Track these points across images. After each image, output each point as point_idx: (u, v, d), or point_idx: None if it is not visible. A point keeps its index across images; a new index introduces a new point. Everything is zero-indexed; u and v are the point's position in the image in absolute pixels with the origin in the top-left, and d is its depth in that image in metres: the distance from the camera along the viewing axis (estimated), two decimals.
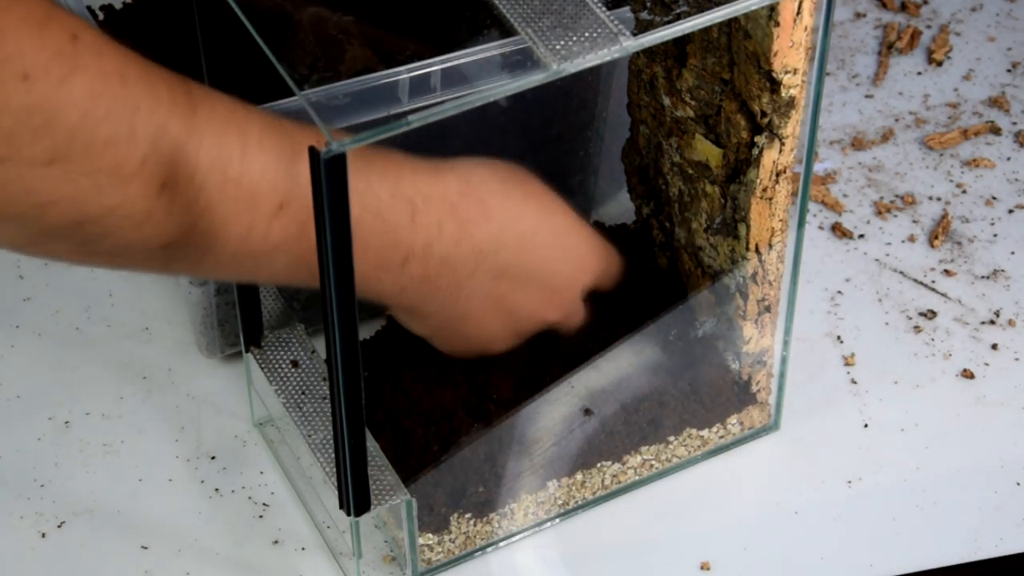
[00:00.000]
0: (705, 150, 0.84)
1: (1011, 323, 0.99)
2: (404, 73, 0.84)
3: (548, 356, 0.87)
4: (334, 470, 0.77)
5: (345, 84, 0.83)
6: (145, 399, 0.94)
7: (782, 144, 0.80)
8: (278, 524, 0.87)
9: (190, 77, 0.70)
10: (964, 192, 1.08)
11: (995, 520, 0.88)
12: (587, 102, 0.97)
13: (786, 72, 0.77)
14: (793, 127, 0.79)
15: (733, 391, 0.90)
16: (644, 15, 0.80)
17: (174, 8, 0.99)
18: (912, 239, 1.04)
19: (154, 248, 0.68)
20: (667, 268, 0.92)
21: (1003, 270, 1.02)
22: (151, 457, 0.91)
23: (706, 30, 0.79)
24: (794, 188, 0.82)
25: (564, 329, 0.86)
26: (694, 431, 0.89)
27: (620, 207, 1.00)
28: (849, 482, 0.90)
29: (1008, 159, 1.10)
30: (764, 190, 0.81)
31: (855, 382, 0.95)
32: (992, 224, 1.05)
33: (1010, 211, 1.06)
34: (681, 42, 0.82)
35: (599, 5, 0.69)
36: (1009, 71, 1.17)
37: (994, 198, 1.07)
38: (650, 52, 0.85)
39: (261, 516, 0.88)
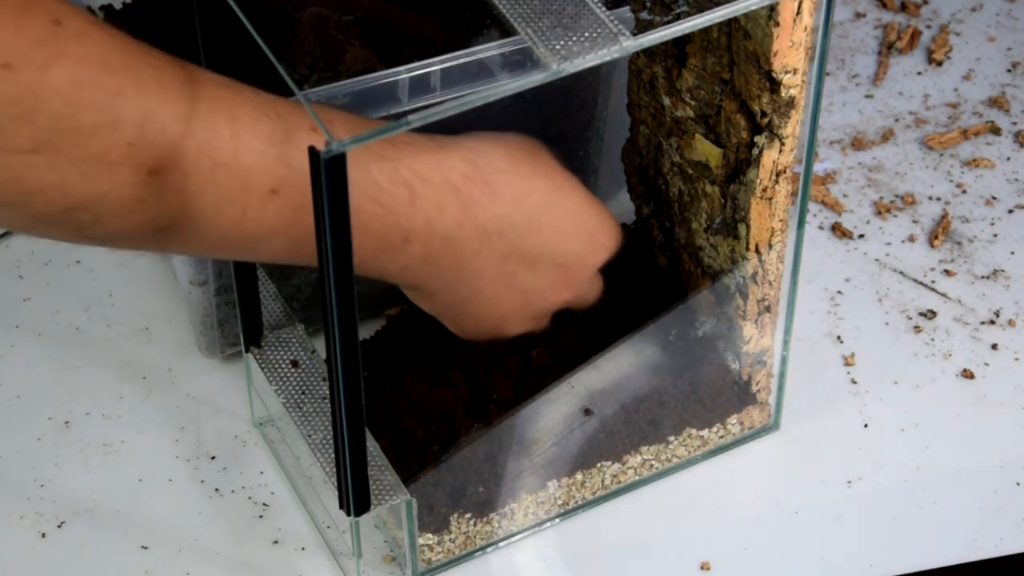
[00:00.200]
0: (705, 150, 0.84)
1: (1011, 323, 0.99)
2: (404, 73, 0.84)
3: (548, 356, 0.87)
4: (334, 470, 0.77)
5: (345, 84, 0.83)
6: (145, 399, 0.94)
7: (782, 144, 0.80)
8: (278, 524, 0.87)
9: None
10: (964, 192, 1.08)
11: (995, 520, 0.88)
12: (587, 102, 0.97)
13: (786, 72, 0.77)
14: (793, 127, 0.79)
15: (733, 391, 0.90)
16: (644, 15, 0.80)
17: (174, 8, 0.99)
18: (912, 239, 1.04)
19: (148, 232, 0.68)
20: (667, 268, 0.92)
21: (1003, 270, 1.02)
22: (151, 457, 0.91)
23: (706, 30, 0.79)
24: (794, 188, 0.82)
25: (580, 306, 0.85)
26: (694, 431, 0.89)
27: (620, 207, 1.00)
28: (849, 482, 0.90)
29: (1008, 159, 1.10)
30: (764, 190, 0.81)
31: (855, 382, 0.95)
32: (992, 224, 1.05)
33: (1010, 211, 1.06)
34: (681, 42, 0.82)
35: (599, 5, 0.69)
36: (1009, 71, 1.17)
37: (994, 198, 1.07)
38: (650, 52, 0.85)
39: (261, 516, 0.88)
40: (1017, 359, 0.97)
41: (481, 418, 0.84)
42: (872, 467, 0.91)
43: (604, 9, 0.69)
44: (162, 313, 0.99)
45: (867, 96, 1.15)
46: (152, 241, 0.69)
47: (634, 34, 0.68)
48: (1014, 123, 1.13)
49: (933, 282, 1.02)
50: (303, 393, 0.84)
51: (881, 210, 1.06)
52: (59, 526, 0.87)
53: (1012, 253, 1.04)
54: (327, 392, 0.83)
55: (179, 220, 0.68)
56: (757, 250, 0.83)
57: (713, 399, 0.89)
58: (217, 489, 0.89)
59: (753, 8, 0.73)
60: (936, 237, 1.04)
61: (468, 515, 0.84)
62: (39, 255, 1.02)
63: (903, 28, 1.20)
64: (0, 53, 0.61)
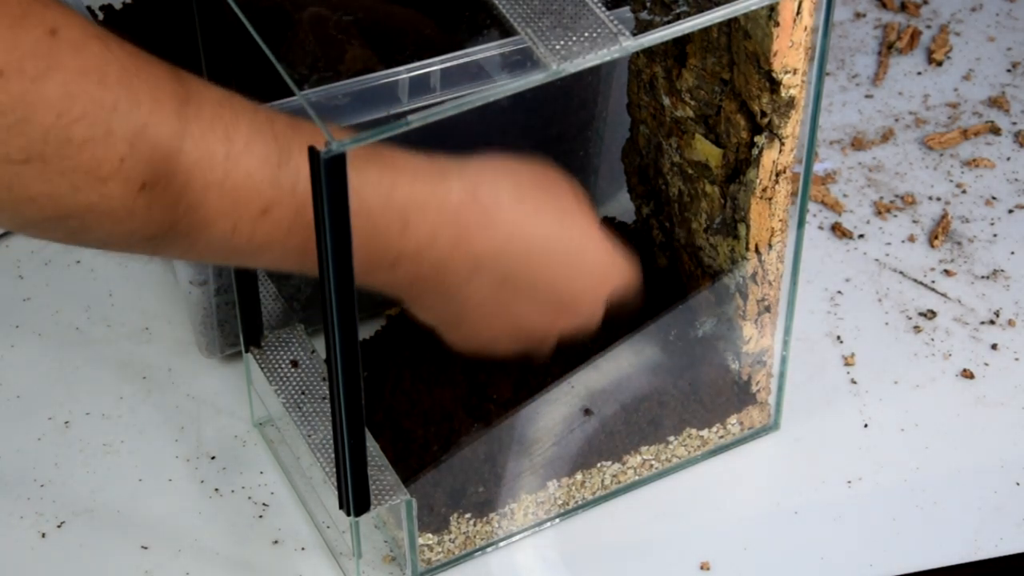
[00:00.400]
0: (705, 150, 0.84)
1: (1011, 323, 0.99)
2: (404, 73, 0.84)
3: (548, 356, 0.86)
4: (334, 470, 0.77)
5: (345, 84, 0.83)
6: (145, 399, 0.94)
7: (782, 144, 0.80)
8: (278, 524, 0.87)
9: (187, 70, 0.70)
10: (964, 192, 1.08)
11: (995, 520, 0.88)
12: (587, 102, 0.97)
13: (786, 72, 0.77)
14: (793, 127, 0.79)
15: (733, 391, 0.90)
16: (644, 15, 0.80)
17: (174, 8, 0.99)
18: (912, 239, 1.04)
19: (137, 240, 0.68)
20: (667, 268, 0.92)
21: (1003, 270, 1.02)
22: (151, 457, 0.91)
23: (706, 30, 0.79)
24: (794, 188, 0.82)
25: (578, 334, 0.84)
26: (694, 431, 0.89)
27: (620, 207, 1.00)
28: (849, 482, 0.90)
29: (1008, 159, 1.10)
30: (764, 190, 0.81)
31: (855, 382, 0.95)
32: (992, 224, 1.05)
33: (1010, 211, 1.06)
34: (681, 42, 0.82)
35: (599, 5, 0.69)
36: (1009, 71, 1.17)
37: (994, 198, 1.07)
38: (650, 52, 0.85)
39: (261, 516, 0.88)
40: (1017, 359, 0.97)
41: (481, 418, 0.84)
42: (872, 467, 0.91)
43: (604, 9, 0.69)
44: (162, 313, 0.99)
45: (867, 96, 1.15)
46: (142, 248, 0.69)
47: (634, 34, 0.68)
48: (1014, 123, 1.13)
49: (933, 282, 1.02)
50: (303, 393, 0.84)
51: (881, 210, 1.06)
52: (59, 526, 0.87)
53: (1012, 253, 1.04)
54: (327, 392, 0.83)
55: (168, 232, 0.68)
56: (757, 250, 0.83)
57: (713, 399, 0.89)
58: (217, 489, 0.89)
59: (753, 8, 0.73)
60: (936, 237, 1.04)
61: (468, 515, 0.84)
62: (39, 255, 1.02)
63: (903, 28, 1.20)
64: None
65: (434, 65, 0.84)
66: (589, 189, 1.01)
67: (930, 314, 0.99)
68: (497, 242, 0.76)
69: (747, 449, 0.92)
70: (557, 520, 0.87)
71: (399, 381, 0.86)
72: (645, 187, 0.91)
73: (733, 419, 0.90)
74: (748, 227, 0.83)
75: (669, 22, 0.72)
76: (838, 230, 1.05)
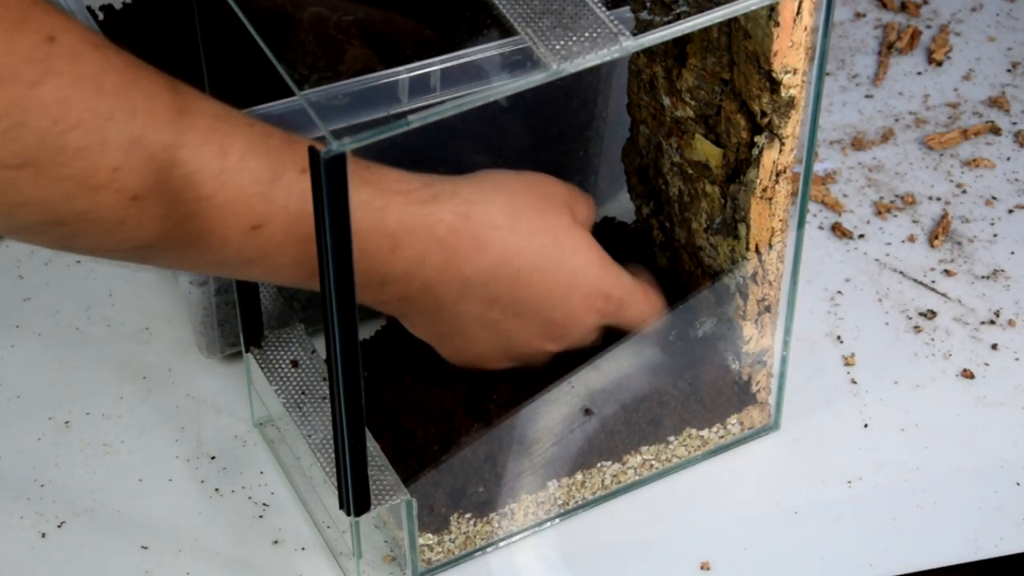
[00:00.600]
0: (705, 150, 0.84)
1: (1011, 323, 0.99)
2: (404, 73, 0.84)
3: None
4: (334, 470, 0.77)
5: (345, 84, 0.83)
6: (145, 399, 0.94)
7: (782, 144, 0.80)
8: (278, 524, 0.87)
9: (184, 80, 0.70)
10: (964, 192, 1.08)
11: (995, 520, 0.88)
12: (587, 102, 0.97)
13: (786, 72, 0.77)
14: (793, 127, 0.79)
15: (733, 391, 0.90)
16: (644, 15, 0.80)
17: (174, 8, 0.99)
18: (912, 239, 1.04)
19: (127, 249, 0.68)
20: (667, 268, 0.92)
21: (1003, 270, 1.02)
22: (151, 457, 0.91)
23: (706, 30, 0.79)
24: (794, 188, 0.82)
25: (570, 350, 0.84)
26: (694, 431, 0.89)
27: (620, 207, 1.00)
28: (849, 482, 0.90)
29: (1008, 159, 1.10)
30: (764, 190, 0.81)
31: (855, 382, 0.95)
32: (992, 224, 1.05)
33: (1010, 211, 1.06)
34: (681, 42, 0.82)
35: (599, 5, 0.69)
36: (1009, 71, 1.17)
37: (994, 198, 1.07)
38: (650, 52, 0.85)
39: (261, 516, 0.88)
40: (1017, 359, 0.97)
41: (481, 418, 0.84)
42: (872, 467, 0.91)
43: (604, 9, 0.69)
44: (162, 313, 0.99)
45: (867, 96, 1.15)
46: (132, 256, 0.69)
47: (634, 34, 0.68)
48: (1014, 123, 1.13)
49: (933, 282, 1.02)
50: (303, 393, 0.84)
51: (881, 210, 1.06)
52: (59, 526, 0.87)
53: (1012, 253, 1.04)
54: (327, 392, 0.83)
55: (159, 242, 0.68)
56: (757, 250, 0.83)
57: (713, 399, 0.89)
58: (217, 489, 0.89)
59: (753, 8, 0.73)
60: (936, 237, 1.04)
61: (468, 515, 0.84)
62: (39, 255, 1.02)
63: (903, 28, 1.20)
64: None
65: (434, 65, 0.84)
66: (589, 189, 1.01)
67: (930, 314, 0.99)
68: (487, 265, 0.76)
69: (747, 449, 0.92)
70: (557, 520, 0.87)
71: (399, 381, 0.86)
72: (645, 187, 0.91)
73: (733, 419, 0.90)
74: (748, 227, 0.83)
75: (669, 22, 0.72)
76: (838, 230, 1.05)
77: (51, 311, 0.99)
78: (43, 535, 0.86)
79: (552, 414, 0.85)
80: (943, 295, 1.01)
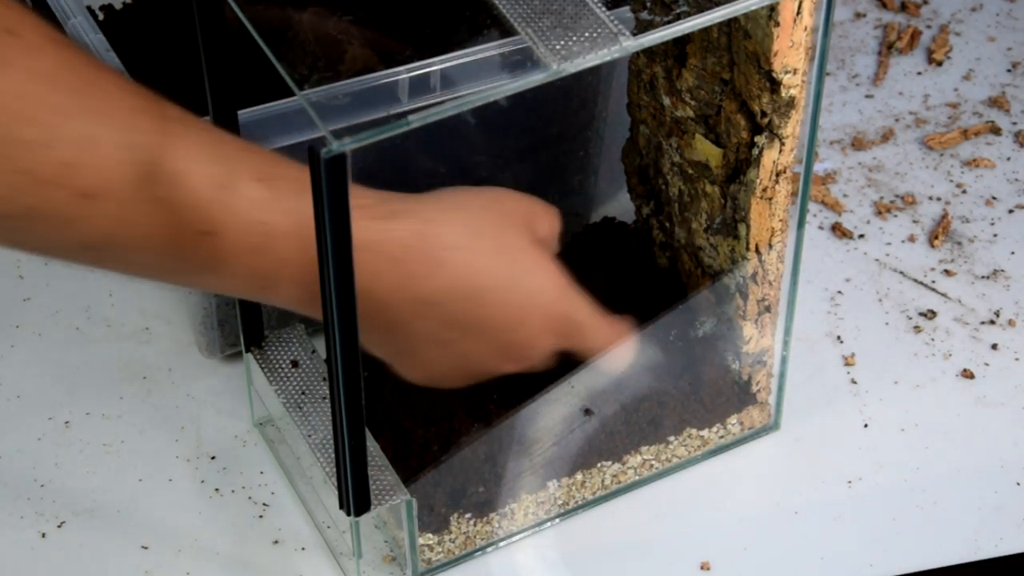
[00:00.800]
0: (705, 150, 0.84)
1: (1011, 323, 0.99)
2: (404, 73, 0.84)
3: None
4: (334, 470, 0.77)
5: (345, 84, 0.83)
6: (145, 399, 0.94)
7: (782, 144, 0.80)
8: (278, 524, 0.87)
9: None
10: (964, 192, 1.08)
11: (995, 520, 0.88)
12: (587, 102, 0.97)
13: (786, 72, 0.77)
14: (793, 127, 0.79)
15: (733, 391, 0.90)
16: (644, 15, 0.80)
17: (174, 8, 0.99)
18: (912, 239, 1.04)
19: (76, 248, 0.68)
20: (667, 268, 0.92)
21: (1003, 270, 1.02)
22: (151, 457, 0.91)
23: (706, 30, 0.79)
24: (794, 188, 0.82)
25: (528, 372, 0.82)
26: (694, 431, 0.89)
27: (620, 207, 1.00)
28: (849, 482, 0.90)
29: (1008, 159, 1.10)
30: (764, 190, 0.81)
31: (855, 382, 0.95)
32: (992, 224, 1.05)
33: (1010, 211, 1.06)
34: (681, 42, 0.82)
35: (599, 5, 0.69)
36: (1009, 71, 1.17)
37: (994, 198, 1.07)
38: (650, 52, 0.85)
39: (261, 516, 0.88)
40: (1017, 359, 0.97)
41: (481, 418, 0.84)
42: (872, 467, 0.91)
43: (604, 9, 0.69)
44: (162, 313, 0.99)
45: (867, 96, 1.15)
46: (81, 257, 0.69)
47: (634, 34, 0.68)
48: (1014, 123, 1.13)
49: (933, 282, 1.02)
50: (303, 393, 0.84)
51: (881, 210, 1.06)
52: (59, 526, 0.87)
53: (1012, 253, 1.04)
54: (327, 392, 0.83)
55: (108, 243, 0.67)
56: (757, 250, 0.83)
57: (713, 399, 0.89)
58: (217, 489, 0.89)
59: (753, 8, 0.73)
60: (936, 237, 1.04)
61: (468, 515, 0.84)
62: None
63: (903, 28, 1.20)
64: None
65: (434, 65, 0.84)
66: (589, 189, 1.01)
67: (930, 314, 0.99)
68: (442, 285, 0.75)
69: (747, 449, 0.92)
70: (557, 520, 0.87)
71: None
72: (645, 187, 0.91)
73: (733, 419, 0.90)
74: (748, 227, 0.83)
75: (669, 22, 0.72)
76: (838, 230, 1.05)
77: (51, 311, 0.99)
78: (43, 535, 0.86)
79: (552, 414, 0.85)
80: (943, 295, 1.01)
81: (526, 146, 0.96)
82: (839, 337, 0.98)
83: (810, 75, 0.78)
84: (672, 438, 0.88)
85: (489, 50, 0.85)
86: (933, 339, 0.98)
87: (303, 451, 0.90)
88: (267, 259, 0.71)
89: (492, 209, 0.78)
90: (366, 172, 0.70)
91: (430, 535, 0.83)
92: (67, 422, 0.92)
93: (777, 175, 0.81)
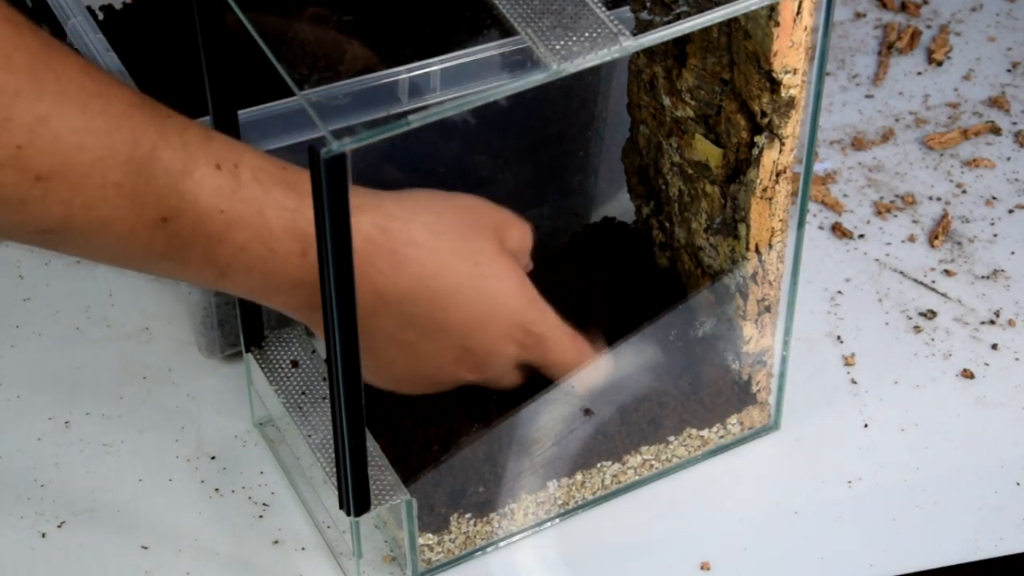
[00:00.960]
0: (705, 150, 0.84)
1: (1011, 323, 0.99)
2: (404, 73, 0.84)
3: None
4: (334, 470, 0.77)
5: (345, 84, 0.83)
6: (145, 399, 0.94)
7: (782, 144, 0.80)
8: (278, 524, 0.87)
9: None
10: (964, 192, 1.08)
11: (995, 520, 0.88)
12: (587, 102, 0.97)
13: (786, 72, 0.77)
14: (793, 127, 0.79)
15: (733, 391, 0.90)
16: (644, 15, 0.80)
17: (174, 8, 0.99)
18: (912, 239, 1.04)
19: (32, 232, 0.67)
20: (667, 268, 0.92)
21: (1003, 270, 1.02)
22: (151, 457, 0.91)
23: (706, 30, 0.79)
24: (794, 188, 0.82)
25: (492, 386, 0.82)
26: (694, 431, 0.89)
27: (620, 207, 1.00)
28: (849, 482, 0.90)
29: (1008, 159, 1.10)
30: (764, 190, 0.81)
31: (855, 382, 0.95)
32: (992, 224, 1.05)
33: (1010, 211, 1.06)
34: (681, 42, 0.82)
35: (599, 5, 0.69)
36: (1009, 71, 1.17)
37: (994, 198, 1.07)
38: (650, 52, 0.85)
39: (261, 516, 0.88)
40: (1017, 359, 0.97)
41: (481, 418, 0.84)
42: (872, 467, 0.91)
43: (604, 9, 0.69)
44: (162, 313, 0.99)
45: (867, 96, 1.15)
46: (37, 240, 0.68)
47: (634, 34, 0.68)
48: (1014, 123, 1.13)
49: (933, 282, 1.02)
50: (303, 393, 0.84)
51: (881, 210, 1.06)
52: (59, 526, 0.87)
53: (1012, 253, 1.04)
54: (327, 392, 0.83)
55: (63, 227, 0.67)
56: (757, 250, 0.83)
57: (713, 399, 0.89)
58: (217, 489, 0.89)
59: (753, 8, 0.73)
60: (936, 237, 1.04)
61: (468, 515, 0.84)
62: (39, 255, 1.02)
63: (903, 28, 1.20)
64: None
65: (434, 65, 0.84)
66: (589, 189, 1.01)
67: (930, 314, 0.99)
68: (403, 283, 0.74)
69: (747, 449, 0.92)
70: (557, 520, 0.87)
71: None
72: (645, 187, 0.91)
73: (733, 419, 0.90)
74: (748, 227, 0.83)
75: (669, 22, 0.72)
76: (838, 230, 1.05)
77: (51, 311, 0.99)
78: (43, 535, 0.86)
79: (552, 414, 0.85)
80: (943, 295, 1.01)
81: (526, 146, 0.96)
82: (839, 337, 0.98)
83: (810, 75, 0.78)
84: (672, 438, 0.88)
85: (489, 50, 0.85)
86: (933, 339, 0.98)
87: (303, 451, 0.90)
88: (225, 248, 0.70)
89: (460, 213, 0.78)
90: (366, 172, 0.70)
91: (430, 535, 0.83)
92: (67, 422, 0.92)
93: (777, 175, 0.81)
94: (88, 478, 0.89)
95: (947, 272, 1.02)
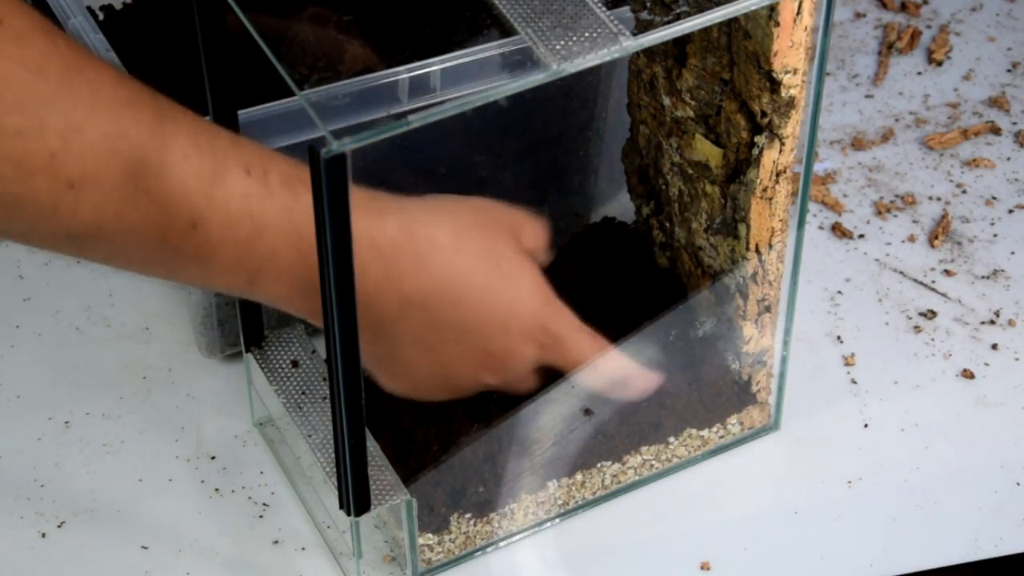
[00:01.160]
0: (705, 150, 0.84)
1: (1011, 323, 0.99)
2: (404, 73, 0.84)
3: None
4: (334, 470, 0.77)
5: (345, 84, 0.83)
6: (145, 399, 0.94)
7: (782, 144, 0.80)
8: (278, 524, 0.87)
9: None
10: (964, 192, 1.08)
11: (995, 520, 0.88)
12: (587, 102, 0.97)
13: (786, 72, 0.77)
14: (793, 127, 0.79)
15: (733, 391, 0.90)
16: (644, 15, 0.80)
17: (174, 8, 0.99)
18: (912, 239, 1.04)
19: (62, 238, 0.67)
20: (667, 268, 0.92)
21: (1003, 270, 1.02)
22: (151, 457, 0.91)
23: (706, 30, 0.79)
24: (794, 188, 0.82)
25: (507, 392, 0.82)
26: (694, 431, 0.89)
27: (620, 207, 1.00)
28: (849, 482, 0.90)
29: (1008, 159, 1.10)
30: (764, 190, 0.81)
31: (855, 382, 0.95)
32: (992, 224, 1.05)
33: (1010, 211, 1.06)
34: (681, 42, 0.82)
35: (599, 5, 0.69)
36: (1009, 71, 1.17)
37: (994, 198, 1.07)
38: (650, 52, 0.85)
39: (261, 516, 0.88)
40: (1017, 359, 0.97)
41: (481, 418, 0.84)
42: (872, 467, 0.91)
43: (604, 9, 0.69)
44: (162, 313, 0.99)
45: (867, 96, 1.15)
46: (66, 247, 0.69)
47: (634, 34, 0.68)
48: (1014, 123, 1.13)
49: (933, 282, 1.02)
50: (303, 393, 0.84)
51: (881, 210, 1.06)
52: (59, 526, 0.87)
53: (1012, 253, 1.04)
54: (327, 392, 0.83)
55: (94, 234, 0.67)
56: (757, 250, 0.83)
57: (713, 399, 0.89)
58: (217, 489, 0.89)
59: (753, 8, 0.73)
60: (936, 237, 1.04)
61: (468, 515, 0.84)
62: (39, 255, 1.02)
63: (903, 28, 1.20)
64: None
65: (434, 65, 0.84)
66: (589, 189, 1.01)
67: (930, 314, 0.99)
68: (429, 285, 0.75)
69: (747, 449, 0.92)
70: (557, 520, 0.87)
71: None
72: (645, 187, 0.91)
73: (733, 419, 0.90)
74: (748, 227, 0.83)
75: (669, 22, 0.72)
76: (838, 230, 1.05)
77: (51, 311, 0.99)
78: (43, 535, 0.86)
79: (552, 414, 0.85)
80: (943, 295, 1.01)
81: (526, 146, 0.96)
82: (839, 337, 0.98)
83: (810, 75, 0.78)
84: (672, 438, 0.88)
85: (489, 50, 0.85)
86: (933, 339, 0.98)
87: (303, 451, 0.90)
88: (254, 253, 0.70)
89: (479, 215, 0.78)
90: (366, 172, 0.70)
91: (430, 535, 0.83)
92: (67, 422, 0.92)
93: (777, 175, 0.81)
94: (88, 478, 0.89)
95: (947, 272, 1.02)
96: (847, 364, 0.96)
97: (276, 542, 0.86)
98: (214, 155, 0.69)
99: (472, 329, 0.77)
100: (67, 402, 0.93)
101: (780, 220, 0.83)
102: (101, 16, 1.01)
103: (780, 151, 0.80)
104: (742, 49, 0.78)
